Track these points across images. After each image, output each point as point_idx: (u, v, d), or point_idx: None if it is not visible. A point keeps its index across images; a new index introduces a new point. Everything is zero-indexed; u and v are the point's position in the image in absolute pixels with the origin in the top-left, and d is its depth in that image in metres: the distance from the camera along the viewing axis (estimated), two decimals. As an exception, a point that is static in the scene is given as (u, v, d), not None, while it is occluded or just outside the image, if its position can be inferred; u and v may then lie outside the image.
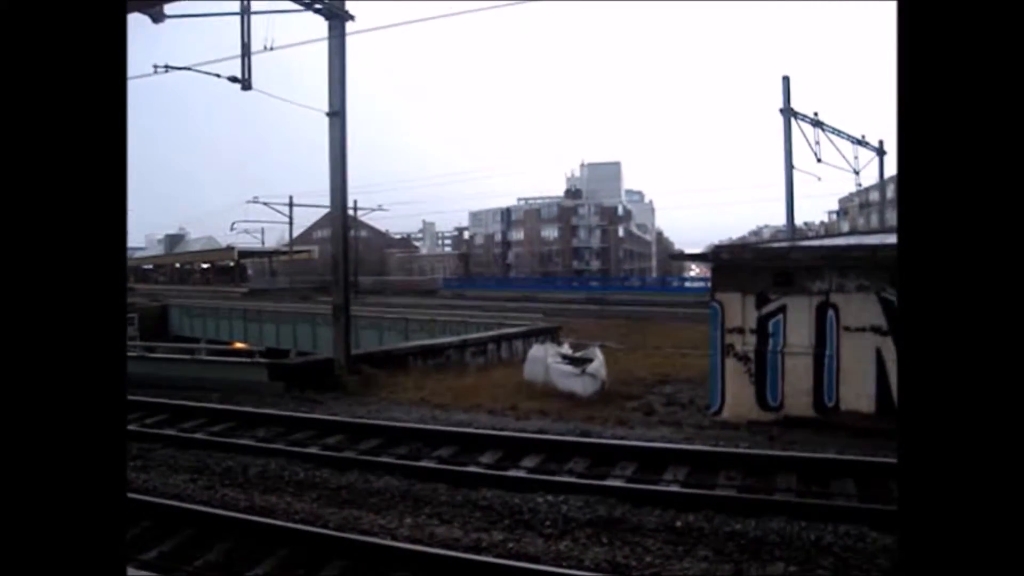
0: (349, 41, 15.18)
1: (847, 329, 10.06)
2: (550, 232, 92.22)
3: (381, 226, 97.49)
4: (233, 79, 15.35)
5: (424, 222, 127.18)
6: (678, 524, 6.37)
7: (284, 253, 71.47)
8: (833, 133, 29.74)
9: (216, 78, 15.60)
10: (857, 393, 9.94)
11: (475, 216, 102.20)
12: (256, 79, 15.40)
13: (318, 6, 14.83)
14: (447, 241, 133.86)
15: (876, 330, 9.86)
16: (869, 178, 34.67)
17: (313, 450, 9.08)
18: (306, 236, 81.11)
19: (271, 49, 15.36)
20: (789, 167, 26.93)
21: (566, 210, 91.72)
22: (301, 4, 14.69)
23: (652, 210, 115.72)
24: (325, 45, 15.14)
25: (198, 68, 16.03)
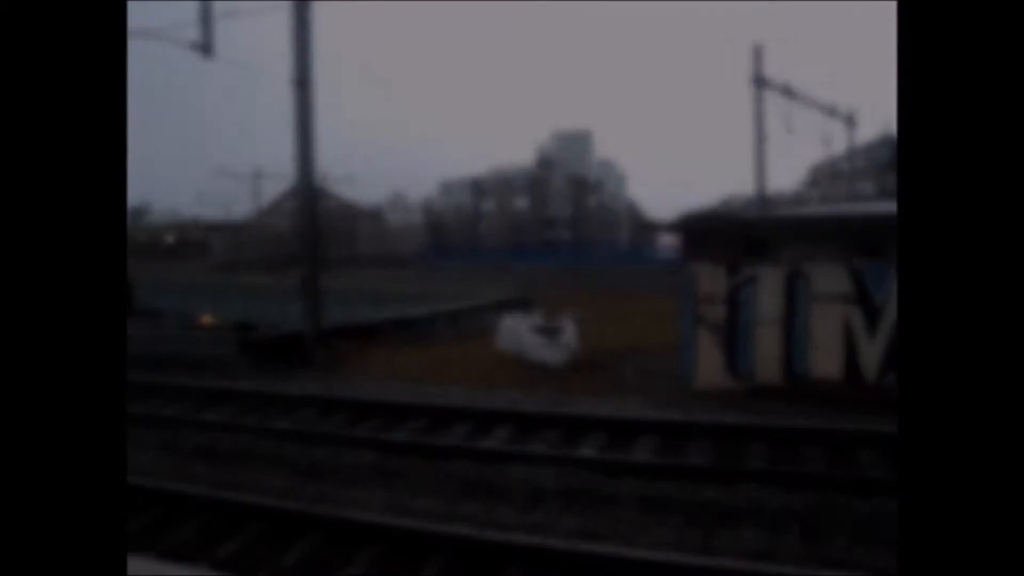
0: (314, 7, 14.84)
1: (816, 298, 10.16)
2: (521, 203, 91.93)
3: (351, 197, 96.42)
4: (194, 45, 14.95)
5: (394, 193, 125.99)
6: (650, 493, 6.42)
7: (251, 226, 70.56)
8: (804, 103, 29.86)
9: (177, 45, 15.19)
10: (826, 361, 10.07)
11: (445, 186, 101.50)
12: (220, 47, 15.04)
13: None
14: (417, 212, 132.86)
15: (845, 299, 9.97)
16: (839, 147, 34.95)
17: (284, 425, 9.00)
18: (274, 208, 79.97)
19: (233, 14, 14.97)
20: (760, 137, 27.03)
21: (537, 180, 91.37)
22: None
23: (623, 180, 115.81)
24: (288, 10, 14.78)
25: (158, 34, 15.57)
